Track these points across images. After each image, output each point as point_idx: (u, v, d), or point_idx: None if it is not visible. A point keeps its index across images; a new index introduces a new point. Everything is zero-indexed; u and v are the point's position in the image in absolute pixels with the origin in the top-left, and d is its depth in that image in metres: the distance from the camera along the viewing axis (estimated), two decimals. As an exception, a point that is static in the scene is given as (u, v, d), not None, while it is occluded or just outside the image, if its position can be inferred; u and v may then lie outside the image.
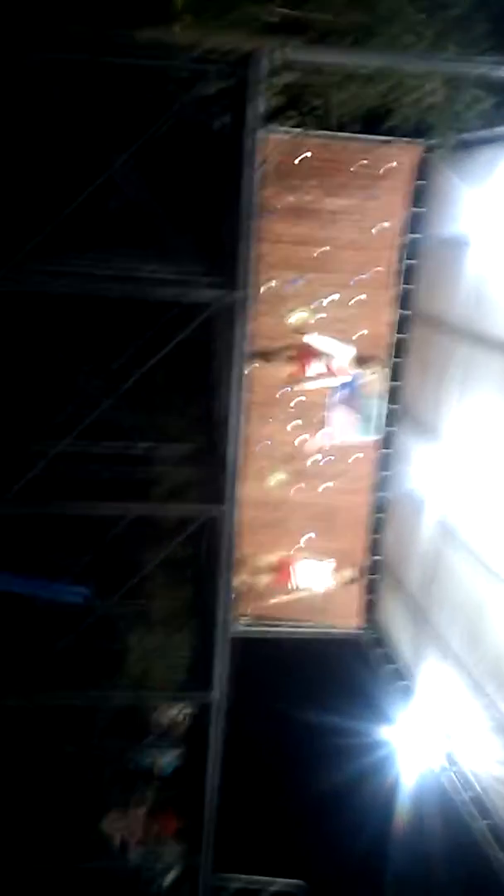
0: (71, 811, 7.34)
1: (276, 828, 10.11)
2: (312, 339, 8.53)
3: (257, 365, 8.29)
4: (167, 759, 8.73)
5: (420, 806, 8.48)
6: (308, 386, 8.72)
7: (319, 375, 8.64)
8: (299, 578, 9.06)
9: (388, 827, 9.05)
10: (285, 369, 8.61)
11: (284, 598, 9.25)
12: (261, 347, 8.43)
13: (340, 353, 8.51)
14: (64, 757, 5.35)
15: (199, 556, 7.14)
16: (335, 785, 9.51)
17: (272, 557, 9.13)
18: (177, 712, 8.38)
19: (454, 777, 7.46)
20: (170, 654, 7.23)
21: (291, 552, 9.24)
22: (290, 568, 9.06)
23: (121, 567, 7.00)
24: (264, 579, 9.10)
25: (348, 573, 9.22)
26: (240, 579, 8.99)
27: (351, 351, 8.56)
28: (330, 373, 8.59)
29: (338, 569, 9.20)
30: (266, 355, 8.56)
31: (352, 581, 9.28)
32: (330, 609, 9.73)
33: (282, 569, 9.10)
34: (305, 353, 8.55)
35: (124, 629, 6.53)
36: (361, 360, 8.66)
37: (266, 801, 10.09)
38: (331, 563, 9.18)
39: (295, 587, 9.13)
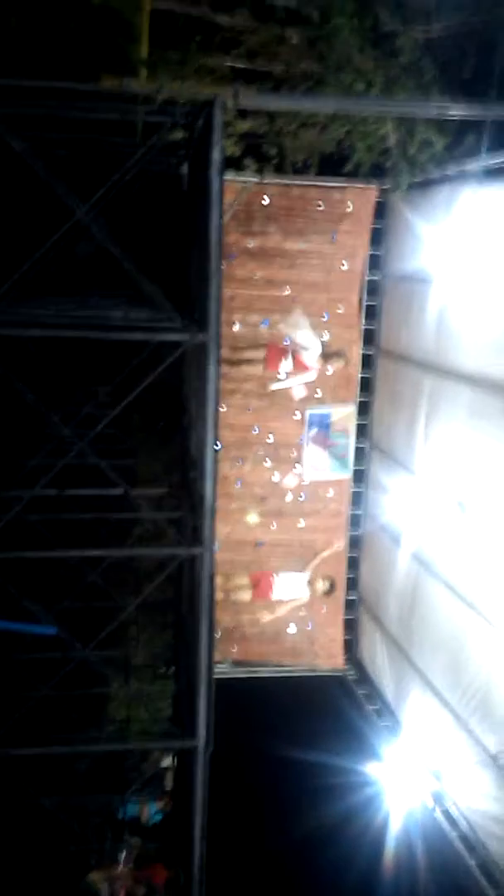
0: (55, 865, 7.13)
1: (266, 870, 9.90)
2: (291, 324, 8.64)
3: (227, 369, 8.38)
4: (153, 809, 8.55)
5: (409, 845, 8.35)
6: (278, 386, 8.80)
7: (289, 374, 8.73)
8: (280, 590, 9.02)
9: (377, 866, 8.91)
10: (257, 370, 8.67)
11: (269, 615, 9.18)
12: (231, 355, 8.56)
13: (310, 346, 8.61)
14: (46, 809, 5.21)
15: (180, 600, 7.08)
16: (323, 826, 9.38)
17: (245, 577, 9.12)
18: (161, 759, 8.23)
19: (442, 815, 7.37)
20: (152, 699, 7.14)
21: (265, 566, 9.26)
22: (270, 579, 9.03)
23: (99, 612, 6.93)
24: (244, 595, 9.03)
25: (322, 585, 9.22)
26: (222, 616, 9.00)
27: (318, 346, 8.66)
28: (299, 368, 8.66)
29: (312, 581, 9.19)
30: (236, 362, 8.64)
31: (327, 593, 9.26)
32: (312, 649, 9.68)
33: (259, 583, 9.04)
34: (274, 353, 8.64)
35: (104, 676, 6.44)
36: (327, 356, 8.76)
37: (255, 843, 9.89)
38: (306, 575, 9.17)
39: (278, 599, 9.07)
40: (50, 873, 7.20)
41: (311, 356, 8.65)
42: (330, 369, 8.83)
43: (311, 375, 8.79)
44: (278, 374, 8.70)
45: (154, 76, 5.07)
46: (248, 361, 8.66)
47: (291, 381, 8.80)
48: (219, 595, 8.42)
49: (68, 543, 5.47)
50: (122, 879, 7.30)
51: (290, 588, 9.12)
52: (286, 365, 8.64)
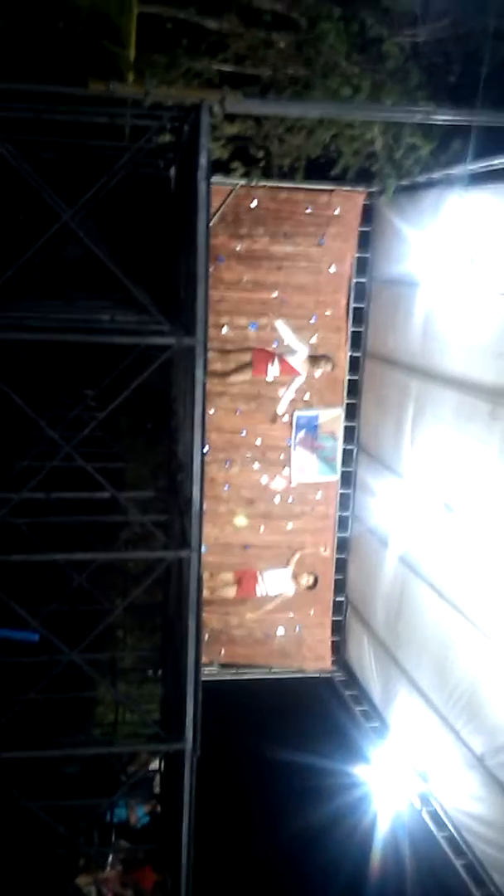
0: (43, 869, 7.12)
1: (254, 873, 9.92)
2: (280, 326, 8.69)
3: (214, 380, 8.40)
4: (142, 812, 8.54)
5: (396, 846, 8.39)
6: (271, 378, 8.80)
7: (276, 378, 8.75)
8: (265, 587, 9.05)
9: (364, 867, 8.94)
10: (244, 376, 8.69)
11: (253, 613, 9.18)
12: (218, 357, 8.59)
13: (296, 350, 8.64)
14: (33, 813, 5.19)
15: (167, 602, 7.09)
16: (311, 828, 9.41)
17: (230, 574, 9.12)
18: (150, 762, 8.23)
19: (429, 816, 7.40)
20: (140, 703, 7.13)
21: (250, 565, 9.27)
22: (258, 576, 9.03)
23: (86, 615, 6.93)
24: (228, 592, 9.05)
25: (306, 580, 9.23)
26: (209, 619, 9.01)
27: (304, 350, 8.68)
28: (286, 372, 8.69)
29: (296, 576, 9.21)
30: (222, 373, 8.66)
31: (310, 588, 9.27)
32: (300, 651, 9.71)
33: (243, 580, 9.05)
34: (261, 358, 8.66)
35: (92, 679, 6.44)
36: (314, 360, 8.79)
37: (243, 845, 9.91)
38: (289, 570, 9.20)
39: (265, 594, 9.10)
40: (38, 877, 7.19)
41: (298, 360, 8.66)
42: (317, 373, 8.85)
43: (299, 380, 8.81)
44: (265, 378, 8.71)
45: (141, 80, 5.08)
46: (236, 370, 8.67)
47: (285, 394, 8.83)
48: (204, 592, 8.44)
49: (55, 547, 5.47)
50: (110, 883, 7.30)
51: (275, 584, 9.12)
52: (273, 370, 8.65)
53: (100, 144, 6.23)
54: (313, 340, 8.91)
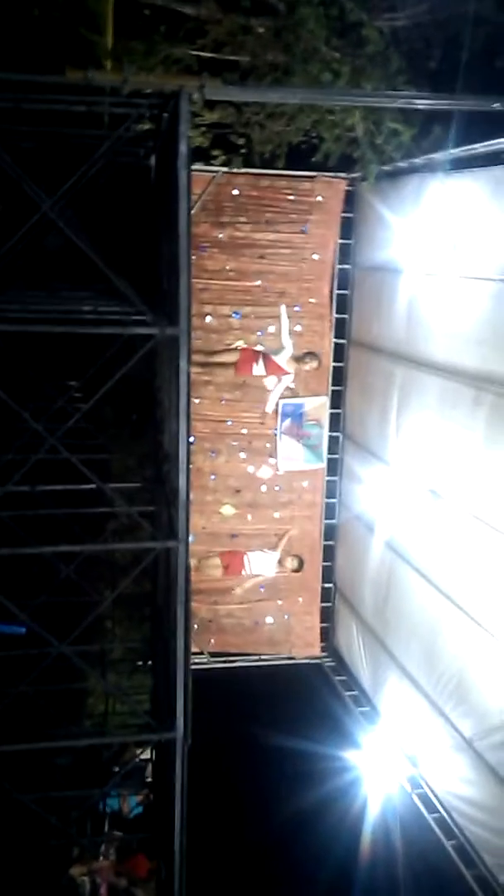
0: (37, 859, 7.14)
1: (247, 858, 9.99)
2: (282, 312, 8.63)
3: (198, 370, 8.40)
4: (134, 801, 8.57)
5: (387, 828, 8.47)
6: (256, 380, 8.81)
7: (261, 377, 8.75)
8: (253, 566, 9.07)
9: (355, 851, 9.02)
10: (228, 373, 8.69)
11: (239, 590, 9.21)
12: (203, 359, 8.57)
13: (278, 353, 8.62)
14: (25, 805, 5.20)
15: (156, 593, 7.09)
16: (303, 812, 9.47)
17: (217, 557, 9.14)
18: (141, 752, 8.25)
19: (419, 799, 7.47)
20: (130, 693, 7.13)
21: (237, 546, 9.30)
22: (244, 557, 9.05)
23: (75, 607, 6.92)
24: (216, 573, 9.06)
25: (291, 563, 9.24)
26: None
27: (290, 348, 8.67)
28: (272, 371, 8.68)
29: (282, 559, 9.23)
30: (207, 364, 8.64)
31: (296, 570, 9.28)
32: (289, 639, 9.74)
33: (231, 562, 9.07)
34: (246, 357, 8.64)
35: (82, 671, 6.43)
36: (300, 358, 8.78)
37: (235, 831, 9.97)
38: (275, 554, 9.21)
39: (249, 573, 9.10)
40: (32, 868, 7.21)
41: (283, 358, 8.63)
42: (304, 370, 8.83)
43: (288, 378, 8.80)
44: (251, 376, 8.70)
45: (120, 67, 5.03)
46: (220, 364, 8.65)
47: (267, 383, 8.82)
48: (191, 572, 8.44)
49: (42, 539, 5.44)
50: (104, 872, 7.34)
51: (261, 566, 9.13)
52: (258, 369, 8.62)
53: (78, 133, 6.17)
54: (297, 328, 8.90)
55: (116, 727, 8.95)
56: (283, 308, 8.62)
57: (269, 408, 8.91)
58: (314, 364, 8.85)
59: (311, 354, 8.84)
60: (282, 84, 6.19)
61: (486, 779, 6.42)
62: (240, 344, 8.75)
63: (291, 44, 6.13)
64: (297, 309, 8.87)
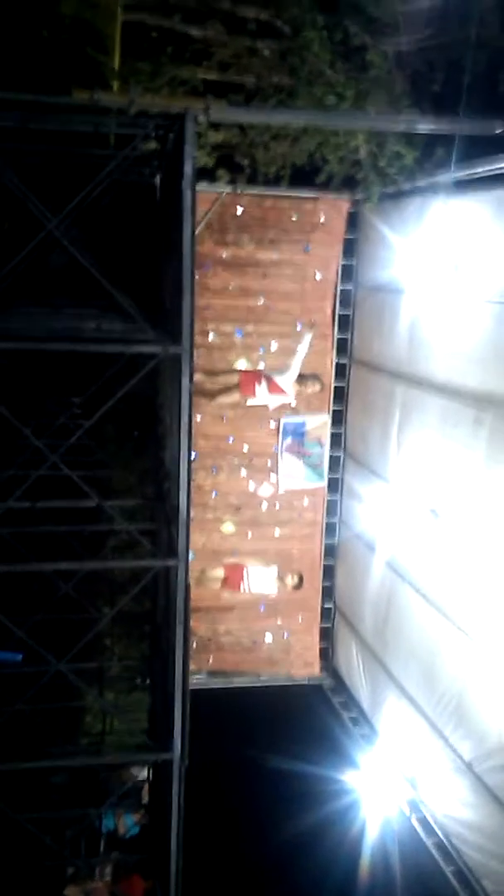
0: (32, 879, 7.07)
1: (243, 880, 9.89)
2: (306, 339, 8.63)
3: (203, 401, 8.41)
4: (130, 821, 8.49)
5: (385, 852, 8.39)
6: (257, 402, 8.80)
7: (266, 398, 8.75)
8: (252, 582, 9.02)
9: (354, 874, 8.94)
10: (232, 397, 8.69)
11: (239, 602, 9.17)
12: (205, 379, 8.57)
13: (281, 375, 8.63)
14: (20, 824, 5.15)
15: (155, 611, 7.06)
16: (300, 835, 9.40)
17: (219, 570, 9.09)
18: (139, 772, 8.19)
19: (418, 822, 7.40)
20: (127, 711, 7.09)
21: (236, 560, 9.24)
22: (244, 571, 9.01)
23: (74, 624, 6.89)
24: (215, 586, 9.02)
25: (291, 580, 9.19)
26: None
27: (295, 371, 8.65)
28: (274, 392, 8.68)
29: (281, 576, 9.18)
30: (210, 394, 8.65)
31: (296, 587, 9.23)
32: (288, 658, 9.69)
33: (231, 575, 9.04)
34: (249, 378, 8.66)
35: (79, 689, 6.40)
36: (302, 380, 8.77)
37: (232, 853, 9.88)
38: (274, 570, 9.17)
39: (247, 590, 9.06)
40: (26, 888, 7.14)
41: (287, 381, 8.63)
42: (307, 392, 8.85)
43: (289, 399, 8.81)
44: (254, 398, 8.70)
45: (126, 88, 5.08)
46: (223, 391, 8.66)
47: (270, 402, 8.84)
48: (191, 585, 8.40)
49: (41, 556, 5.44)
50: (99, 893, 7.26)
51: (260, 582, 9.09)
52: (261, 390, 8.63)
53: (84, 152, 6.22)
54: (299, 348, 8.92)
55: (114, 746, 8.88)
56: (308, 336, 8.62)
57: (258, 399, 8.80)
58: (316, 387, 8.87)
59: (314, 377, 8.85)
60: (286, 106, 6.25)
61: (485, 802, 6.37)
62: (241, 362, 8.77)
63: (296, 66, 6.19)
64: (299, 328, 8.90)
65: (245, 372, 8.69)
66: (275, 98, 6.35)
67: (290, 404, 8.94)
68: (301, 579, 9.24)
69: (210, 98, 4.54)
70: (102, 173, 5.13)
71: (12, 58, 5.68)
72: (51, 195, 4.98)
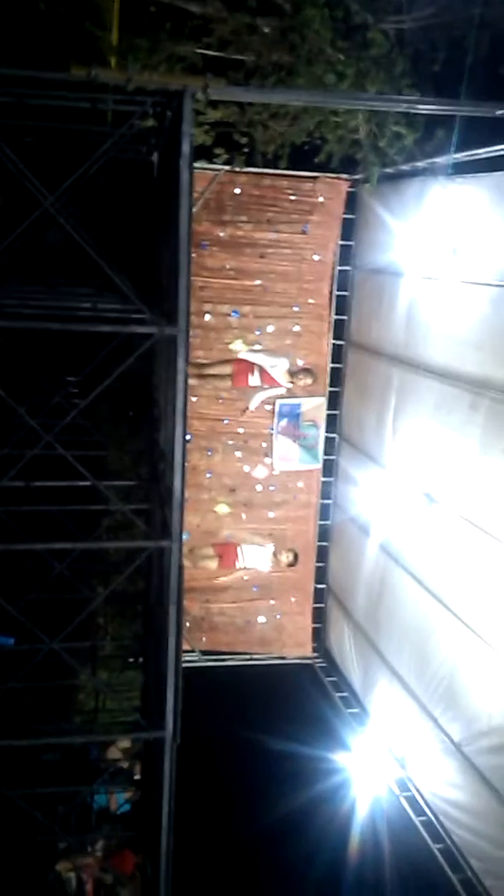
0: (23, 855, 7.14)
1: (234, 857, 10.01)
2: (247, 355, 8.69)
3: (195, 382, 8.41)
4: (122, 798, 8.57)
5: (374, 831, 8.48)
6: (251, 403, 8.85)
7: (257, 388, 8.78)
8: (246, 559, 9.07)
9: (343, 852, 9.04)
10: (224, 384, 8.69)
11: (228, 578, 9.22)
12: (198, 370, 8.55)
13: (274, 366, 8.66)
14: (11, 800, 5.20)
15: (149, 591, 7.09)
16: (291, 813, 9.49)
17: (208, 549, 9.13)
18: (130, 749, 8.26)
19: (407, 801, 7.48)
20: (120, 690, 7.13)
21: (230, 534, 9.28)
22: (237, 549, 9.05)
23: (68, 603, 6.92)
24: (210, 564, 9.06)
25: (286, 557, 9.21)
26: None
27: (284, 363, 8.70)
28: (267, 383, 8.71)
29: (277, 553, 9.22)
30: (204, 376, 8.65)
31: (290, 565, 9.26)
32: (280, 638, 9.75)
33: (226, 553, 9.07)
34: (242, 368, 8.66)
35: (72, 667, 6.43)
36: (293, 373, 8.79)
37: (222, 830, 9.99)
38: (270, 548, 9.21)
39: (243, 566, 9.11)
40: (17, 863, 7.21)
41: (279, 372, 8.65)
42: (299, 385, 8.85)
43: (281, 390, 8.81)
44: (248, 387, 8.71)
45: (124, 64, 5.01)
46: (216, 376, 8.66)
47: (261, 395, 8.84)
48: (185, 564, 8.43)
49: (36, 535, 5.44)
50: (90, 868, 7.34)
51: (254, 559, 9.13)
52: (254, 380, 8.64)
53: (82, 129, 6.16)
54: (296, 328, 8.91)
55: (106, 724, 8.95)
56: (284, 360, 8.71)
57: (253, 405, 8.87)
58: (308, 380, 8.86)
59: (307, 371, 8.84)
60: (286, 84, 6.18)
61: (473, 783, 6.44)
62: (237, 343, 8.74)
63: (296, 44, 6.11)
64: (296, 309, 8.87)
65: (238, 361, 8.66)
66: (274, 76, 6.28)
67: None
68: (296, 556, 9.24)
69: (209, 76, 4.47)
70: (99, 150, 5.08)
71: (9, 32, 5.61)
72: (47, 172, 4.94)
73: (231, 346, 8.79)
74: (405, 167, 7.16)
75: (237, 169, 7.80)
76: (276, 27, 6.26)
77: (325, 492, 9.57)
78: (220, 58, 6.34)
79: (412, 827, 7.32)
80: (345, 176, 8.30)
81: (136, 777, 8.76)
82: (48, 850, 7.41)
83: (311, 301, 8.90)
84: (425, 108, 5.24)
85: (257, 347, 8.78)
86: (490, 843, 6.30)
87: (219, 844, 9.83)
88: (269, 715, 10.34)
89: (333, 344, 9.14)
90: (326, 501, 9.59)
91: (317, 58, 6.07)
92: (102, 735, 6.82)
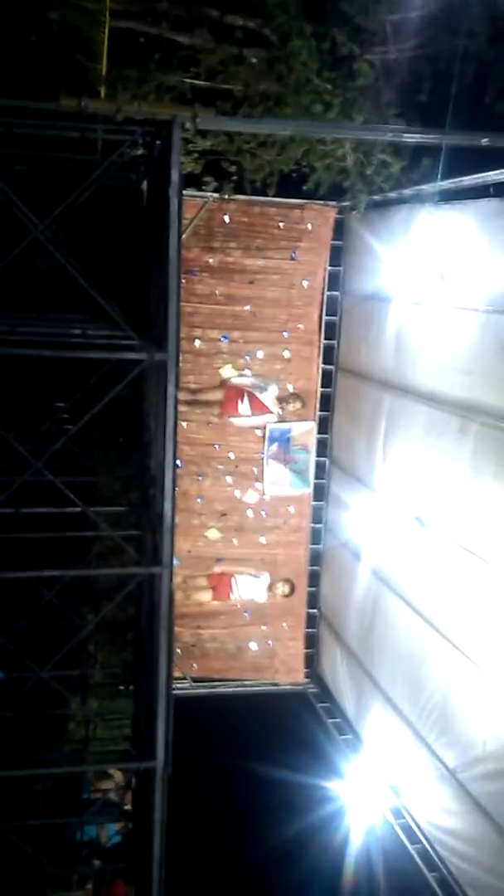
0: (12, 887, 7.01)
1: (227, 888, 9.85)
2: (236, 380, 8.73)
3: (184, 409, 8.40)
4: (113, 830, 8.43)
5: (369, 859, 8.37)
6: (238, 422, 8.85)
7: (246, 416, 8.80)
8: (241, 590, 9.02)
9: (337, 881, 8.92)
10: (213, 411, 8.70)
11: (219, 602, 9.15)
12: (189, 397, 8.56)
13: (264, 392, 8.68)
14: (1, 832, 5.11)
15: (139, 617, 7.04)
16: (284, 842, 9.37)
17: (204, 579, 9.08)
18: (121, 780, 8.15)
19: (401, 829, 7.39)
20: (111, 719, 7.05)
21: (225, 568, 9.22)
22: (231, 580, 9.00)
23: (57, 631, 6.85)
24: (203, 596, 8.99)
25: (282, 589, 9.17)
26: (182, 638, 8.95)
27: (273, 389, 8.72)
28: (257, 411, 8.72)
29: (272, 584, 9.18)
30: (194, 402, 8.66)
31: (287, 595, 9.22)
32: (272, 665, 9.68)
33: (220, 584, 9.01)
34: (232, 396, 8.68)
35: (62, 696, 6.35)
36: (282, 399, 8.83)
37: (215, 860, 9.84)
38: (265, 578, 9.15)
39: (238, 598, 9.07)
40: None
41: (269, 398, 8.70)
42: (288, 410, 8.90)
43: (271, 418, 8.84)
44: (238, 415, 8.74)
45: (114, 94, 5.07)
46: (205, 402, 8.69)
47: (251, 421, 8.87)
48: (178, 595, 8.37)
49: (25, 562, 5.40)
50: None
51: (249, 590, 9.09)
52: (244, 408, 8.67)
53: (71, 158, 6.21)
54: (286, 354, 8.96)
55: (97, 753, 8.83)
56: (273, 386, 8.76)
57: (239, 422, 8.88)
58: (297, 405, 8.90)
59: (296, 396, 8.89)
60: (274, 114, 6.25)
61: (469, 810, 6.37)
62: (227, 369, 8.77)
63: (284, 75, 6.19)
64: (285, 334, 8.92)
65: (229, 388, 8.68)
66: (262, 105, 6.36)
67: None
68: (293, 587, 9.22)
69: (197, 106, 4.52)
70: (89, 179, 5.12)
71: (0, 63, 5.67)
72: (37, 200, 4.97)
73: (221, 372, 8.82)
74: (392, 194, 7.24)
75: (226, 197, 7.88)
76: (264, 58, 6.34)
77: (317, 516, 9.56)
78: (208, 88, 6.41)
79: (407, 855, 7.24)
80: (333, 203, 8.40)
81: (127, 807, 8.64)
82: (38, 883, 7.28)
83: (300, 326, 8.96)
84: (412, 138, 5.30)
85: (247, 373, 8.82)
86: (485, 871, 6.23)
87: (211, 874, 9.68)
88: (261, 742, 10.24)
89: (323, 369, 9.19)
90: (318, 526, 9.59)
91: (304, 88, 6.15)
92: (93, 765, 6.72)
